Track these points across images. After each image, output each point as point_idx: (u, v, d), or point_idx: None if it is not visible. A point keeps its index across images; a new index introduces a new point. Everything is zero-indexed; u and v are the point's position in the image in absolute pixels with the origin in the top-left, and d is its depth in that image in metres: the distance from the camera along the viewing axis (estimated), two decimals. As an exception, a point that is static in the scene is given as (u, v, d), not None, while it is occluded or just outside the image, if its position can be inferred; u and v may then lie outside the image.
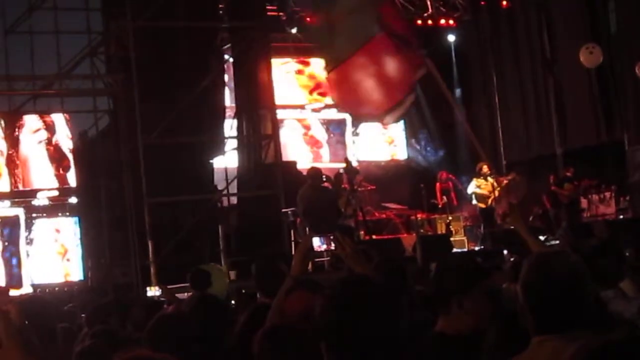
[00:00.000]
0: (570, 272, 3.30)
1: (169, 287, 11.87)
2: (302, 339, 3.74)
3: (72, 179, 20.18)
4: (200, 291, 9.33)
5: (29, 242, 19.76)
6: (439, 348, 3.85)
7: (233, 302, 12.00)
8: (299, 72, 24.55)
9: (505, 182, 20.21)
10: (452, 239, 19.28)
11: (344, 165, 19.45)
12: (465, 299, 3.87)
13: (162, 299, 12.60)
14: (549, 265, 3.32)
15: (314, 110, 24.53)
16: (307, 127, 24.49)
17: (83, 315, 8.74)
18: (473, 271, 4.02)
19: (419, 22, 24.29)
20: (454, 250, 18.35)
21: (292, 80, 24.36)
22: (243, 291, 13.25)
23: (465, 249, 19.36)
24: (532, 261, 3.40)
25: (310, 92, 24.59)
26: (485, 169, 20.06)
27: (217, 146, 21.20)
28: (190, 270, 9.95)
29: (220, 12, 21.59)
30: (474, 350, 3.81)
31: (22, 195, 19.88)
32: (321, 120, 24.67)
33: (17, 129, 19.86)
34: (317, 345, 3.02)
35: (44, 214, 20.17)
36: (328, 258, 16.23)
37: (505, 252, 16.46)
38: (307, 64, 24.59)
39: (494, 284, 4.27)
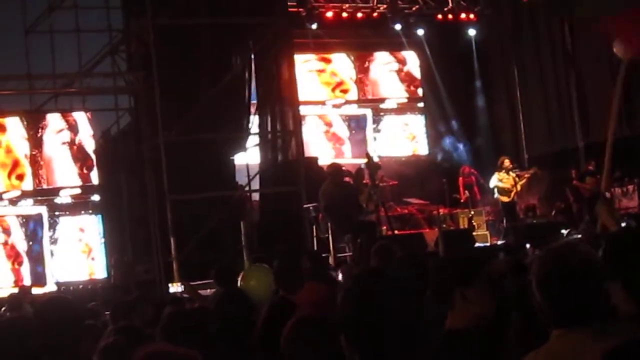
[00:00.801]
0: (584, 264, 3.29)
1: (191, 283, 11.90)
2: (330, 331, 3.75)
3: (94, 177, 20.26)
4: (224, 287, 9.28)
5: (54, 241, 19.85)
6: (450, 343, 3.86)
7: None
8: (321, 71, 24.46)
9: (526, 176, 20.16)
10: (474, 233, 19.23)
11: (365, 160, 19.44)
12: (467, 291, 3.89)
13: (184, 295, 12.64)
14: (563, 258, 3.31)
15: (335, 106, 24.47)
16: (329, 125, 24.41)
17: (107, 312, 8.81)
18: (469, 262, 4.05)
19: (440, 16, 24.26)
20: (477, 245, 18.31)
21: (314, 78, 24.30)
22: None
23: (488, 244, 19.32)
24: (546, 254, 3.39)
25: (333, 90, 24.53)
26: (507, 163, 20.03)
27: (238, 143, 21.22)
28: (214, 267, 9.88)
29: (241, 8, 21.58)
30: (484, 342, 3.83)
31: (44, 194, 19.97)
32: (342, 117, 24.60)
33: (40, 130, 19.93)
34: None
35: (67, 212, 20.25)
36: (350, 254, 16.28)
37: (528, 246, 16.43)
38: (328, 61, 24.50)
39: (494, 273, 4.29)
